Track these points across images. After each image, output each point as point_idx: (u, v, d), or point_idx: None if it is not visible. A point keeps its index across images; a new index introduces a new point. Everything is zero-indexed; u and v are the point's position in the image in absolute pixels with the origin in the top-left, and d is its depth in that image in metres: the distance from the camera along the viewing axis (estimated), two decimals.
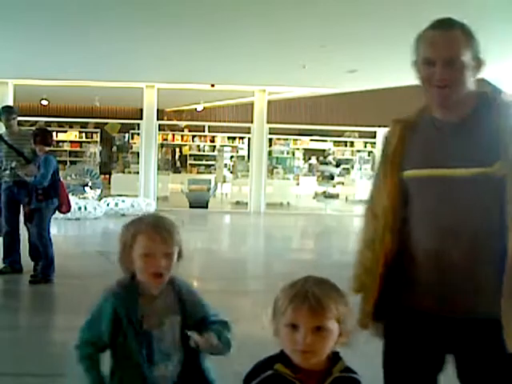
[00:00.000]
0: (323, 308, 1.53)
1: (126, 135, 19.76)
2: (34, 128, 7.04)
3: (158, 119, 14.62)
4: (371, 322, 1.97)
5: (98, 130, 20.98)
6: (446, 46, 1.80)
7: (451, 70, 1.77)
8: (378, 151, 14.68)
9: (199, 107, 20.12)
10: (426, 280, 1.83)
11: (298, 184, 17.88)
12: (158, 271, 1.96)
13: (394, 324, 1.96)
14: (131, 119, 17.74)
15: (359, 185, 16.78)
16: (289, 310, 1.54)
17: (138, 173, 14.37)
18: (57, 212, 6.48)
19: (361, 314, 1.97)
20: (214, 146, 20.69)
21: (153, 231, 1.97)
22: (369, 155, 18.40)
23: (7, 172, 6.43)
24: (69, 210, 6.63)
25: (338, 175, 17.39)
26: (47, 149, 6.28)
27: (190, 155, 20.93)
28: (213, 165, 19.21)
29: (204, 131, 20.65)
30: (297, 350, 1.54)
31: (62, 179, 6.69)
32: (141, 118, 14.42)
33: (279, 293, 1.61)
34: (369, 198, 2.01)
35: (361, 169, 17.33)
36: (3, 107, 6.79)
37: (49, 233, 6.33)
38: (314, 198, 15.95)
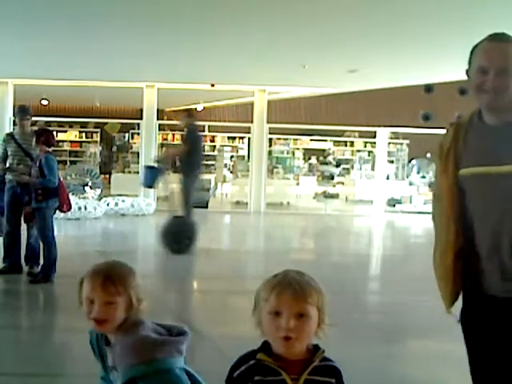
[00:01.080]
0: (305, 293, 1.59)
1: (126, 135, 19.77)
2: (34, 128, 7.06)
3: (157, 119, 14.62)
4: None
5: (98, 130, 20.97)
6: (500, 56, 1.98)
7: (503, 78, 1.96)
8: (378, 151, 14.70)
9: (199, 107, 20.11)
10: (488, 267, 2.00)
11: (297, 184, 17.88)
12: (97, 317, 1.94)
13: (470, 309, 2.10)
14: (131, 119, 17.74)
15: (359, 185, 16.78)
16: (272, 297, 1.58)
17: (137, 173, 14.35)
18: (57, 212, 6.50)
19: (444, 301, 2.14)
20: (214, 146, 20.69)
21: (94, 278, 1.99)
22: (369, 155, 18.40)
23: (12, 172, 6.47)
24: (69, 210, 6.65)
25: (338, 175, 17.40)
26: (48, 148, 6.30)
27: None
28: (213, 165, 19.21)
29: (204, 131, 20.65)
30: (280, 336, 1.57)
31: (62, 179, 6.71)
32: (141, 118, 14.42)
33: (261, 285, 1.65)
34: (433, 197, 2.20)
35: (361, 169, 17.33)
36: (18, 107, 6.84)
37: (53, 232, 6.34)
38: (313, 197, 15.95)
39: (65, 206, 6.42)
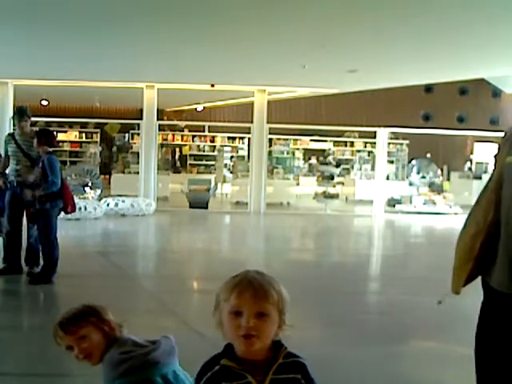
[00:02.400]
0: (265, 293, 1.57)
1: (126, 135, 19.79)
2: (34, 128, 7.05)
3: (158, 119, 14.62)
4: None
5: (98, 130, 21.00)
6: None
7: None
8: (378, 151, 14.70)
9: (199, 107, 20.12)
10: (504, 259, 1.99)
11: (297, 184, 17.88)
12: (82, 356, 2.15)
13: (486, 306, 2.09)
14: (131, 119, 17.75)
15: (359, 185, 16.78)
16: (232, 297, 1.57)
17: (138, 173, 14.36)
18: (61, 213, 6.43)
19: (453, 283, 2.13)
20: (214, 146, 20.71)
21: (57, 329, 2.17)
22: (369, 155, 18.40)
23: (13, 172, 6.47)
24: (74, 211, 6.55)
25: (338, 175, 17.40)
26: (50, 149, 6.29)
27: (190, 155, 20.95)
28: (213, 165, 19.22)
29: (204, 131, 20.67)
30: (240, 335, 1.56)
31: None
32: (141, 118, 14.41)
33: (221, 286, 1.64)
34: (485, 185, 2.20)
35: (361, 169, 17.33)
36: (16, 108, 6.81)
37: (55, 234, 6.29)
38: (313, 198, 15.95)
39: (69, 207, 6.35)
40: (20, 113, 6.65)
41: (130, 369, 2.06)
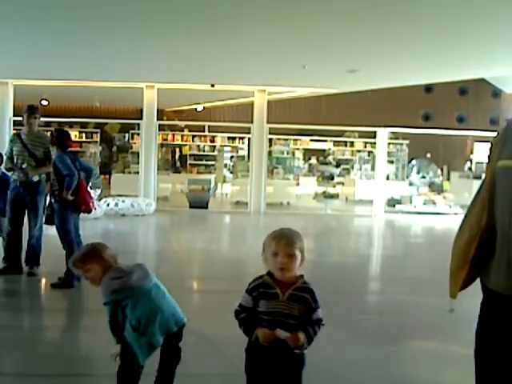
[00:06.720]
0: (293, 242, 2.55)
1: (126, 135, 19.78)
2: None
3: (158, 119, 14.62)
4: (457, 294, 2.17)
5: (98, 130, 21.00)
6: None
7: None
8: (378, 151, 14.70)
9: (199, 107, 20.13)
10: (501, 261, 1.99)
11: (297, 184, 17.88)
12: (90, 282, 3.14)
13: (483, 305, 2.10)
14: (131, 119, 17.74)
15: (359, 185, 16.78)
16: (273, 244, 2.55)
17: (138, 173, 14.36)
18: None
19: (450, 287, 2.17)
20: (214, 146, 20.71)
21: (81, 260, 3.13)
22: (369, 155, 18.41)
23: (16, 172, 6.46)
24: (89, 210, 6.34)
25: (338, 175, 17.40)
26: (62, 150, 6.18)
27: (190, 155, 20.96)
28: (213, 165, 19.22)
29: (204, 131, 20.67)
30: (278, 268, 2.54)
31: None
32: (141, 118, 14.41)
33: (266, 236, 2.62)
34: (479, 188, 2.21)
35: (361, 169, 17.33)
36: (28, 105, 6.75)
37: (76, 234, 6.21)
38: (313, 198, 15.95)
39: (83, 206, 6.19)
40: (31, 109, 6.60)
41: (115, 290, 3.00)
